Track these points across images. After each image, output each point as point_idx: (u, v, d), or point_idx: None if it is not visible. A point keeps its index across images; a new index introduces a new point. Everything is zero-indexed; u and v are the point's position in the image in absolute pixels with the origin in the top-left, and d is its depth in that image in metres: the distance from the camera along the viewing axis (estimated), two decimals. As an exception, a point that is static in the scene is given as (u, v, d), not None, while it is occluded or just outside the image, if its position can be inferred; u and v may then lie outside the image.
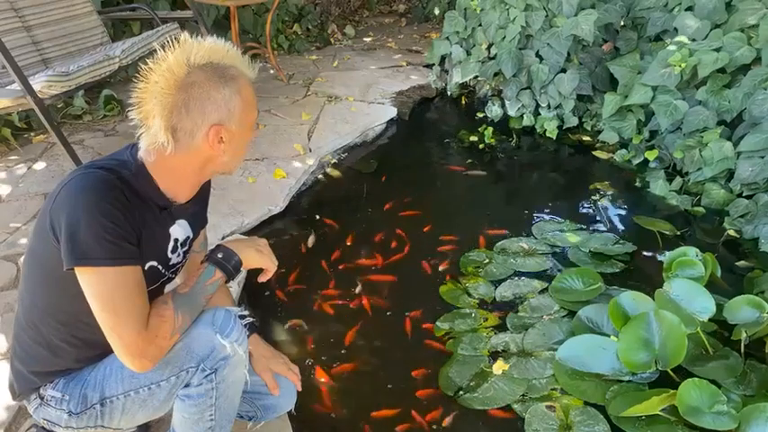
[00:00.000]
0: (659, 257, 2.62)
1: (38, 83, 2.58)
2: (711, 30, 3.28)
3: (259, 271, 1.38)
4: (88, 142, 3.49)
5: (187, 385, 1.27)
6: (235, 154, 1.26)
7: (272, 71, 4.79)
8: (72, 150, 2.78)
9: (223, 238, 2.58)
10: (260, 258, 1.35)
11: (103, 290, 1.11)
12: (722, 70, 3.14)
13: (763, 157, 2.80)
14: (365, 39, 5.97)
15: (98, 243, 1.09)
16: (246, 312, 1.38)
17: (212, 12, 4.69)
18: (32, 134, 3.60)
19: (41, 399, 1.29)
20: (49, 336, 1.25)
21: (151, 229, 1.23)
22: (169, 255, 1.33)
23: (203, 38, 1.19)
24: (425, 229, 2.89)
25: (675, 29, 3.44)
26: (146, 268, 1.22)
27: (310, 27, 5.79)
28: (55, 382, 1.28)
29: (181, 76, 1.14)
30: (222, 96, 1.16)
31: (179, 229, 1.34)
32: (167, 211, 1.28)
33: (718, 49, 3.13)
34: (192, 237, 1.40)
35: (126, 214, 1.13)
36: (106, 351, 1.20)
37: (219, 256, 1.30)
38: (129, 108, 1.19)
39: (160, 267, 1.30)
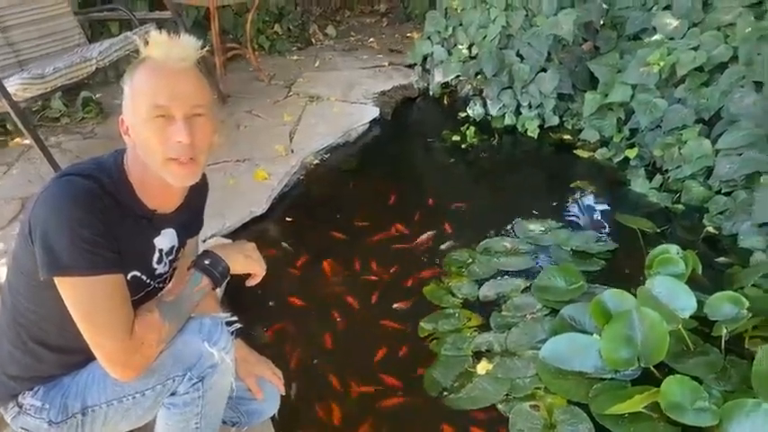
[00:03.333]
0: (641, 255, 2.64)
1: (13, 85, 2.54)
2: (689, 28, 3.32)
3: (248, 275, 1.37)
4: (66, 145, 3.43)
5: (173, 393, 1.25)
6: (142, 146, 1.15)
7: (252, 72, 4.76)
8: (49, 154, 2.74)
9: (204, 241, 2.56)
10: (248, 264, 1.33)
11: (83, 300, 1.10)
12: (700, 69, 3.17)
13: (740, 155, 2.83)
14: (347, 39, 5.95)
15: (76, 252, 1.07)
16: (234, 318, 1.37)
17: (192, 12, 4.65)
18: (9, 137, 3.53)
19: (20, 407, 1.27)
20: (30, 341, 1.23)
21: (132, 239, 1.20)
22: (154, 265, 1.30)
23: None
24: (409, 229, 2.88)
25: (654, 28, 3.47)
26: (128, 278, 1.20)
27: (291, 27, 5.75)
28: (35, 389, 1.26)
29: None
30: (124, 87, 1.18)
31: (163, 240, 1.31)
32: (148, 220, 1.26)
33: (695, 48, 3.17)
34: (177, 246, 1.37)
35: (104, 222, 1.11)
36: (89, 358, 1.17)
37: (206, 262, 1.27)
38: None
39: (144, 277, 1.27)
